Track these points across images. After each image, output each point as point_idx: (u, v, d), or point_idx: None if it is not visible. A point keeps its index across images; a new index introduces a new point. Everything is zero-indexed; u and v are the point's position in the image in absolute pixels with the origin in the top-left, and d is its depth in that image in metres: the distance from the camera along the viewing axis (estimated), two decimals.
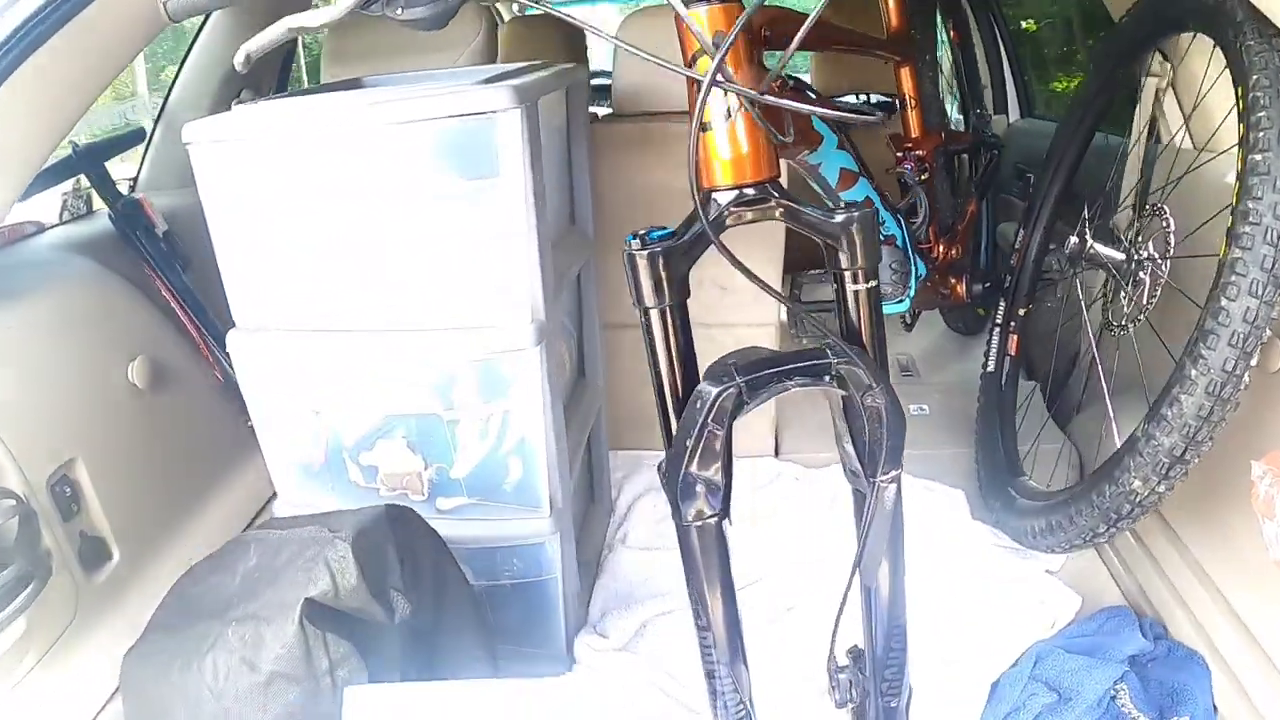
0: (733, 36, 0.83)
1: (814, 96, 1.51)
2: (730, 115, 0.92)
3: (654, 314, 0.94)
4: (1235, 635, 1.49)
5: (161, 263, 2.07)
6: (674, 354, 0.95)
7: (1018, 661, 1.66)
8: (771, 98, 0.85)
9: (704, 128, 0.94)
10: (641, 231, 0.94)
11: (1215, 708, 1.57)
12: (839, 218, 0.95)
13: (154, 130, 2.50)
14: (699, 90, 0.86)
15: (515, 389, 1.39)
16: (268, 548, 1.26)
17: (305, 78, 4.06)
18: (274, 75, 2.89)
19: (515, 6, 4.59)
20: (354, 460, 1.48)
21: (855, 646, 1.19)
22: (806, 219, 0.97)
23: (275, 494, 1.61)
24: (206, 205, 1.40)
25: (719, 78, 0.83)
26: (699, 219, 0.91)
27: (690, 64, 0.94)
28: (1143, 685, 1.61)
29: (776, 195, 0.96)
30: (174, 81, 2.53)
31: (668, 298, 0.93)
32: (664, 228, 0.95)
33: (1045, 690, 1.60)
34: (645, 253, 0.92)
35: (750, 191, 0.95)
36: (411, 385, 1.40)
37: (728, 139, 0.93)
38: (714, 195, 0.95)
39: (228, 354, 1.51)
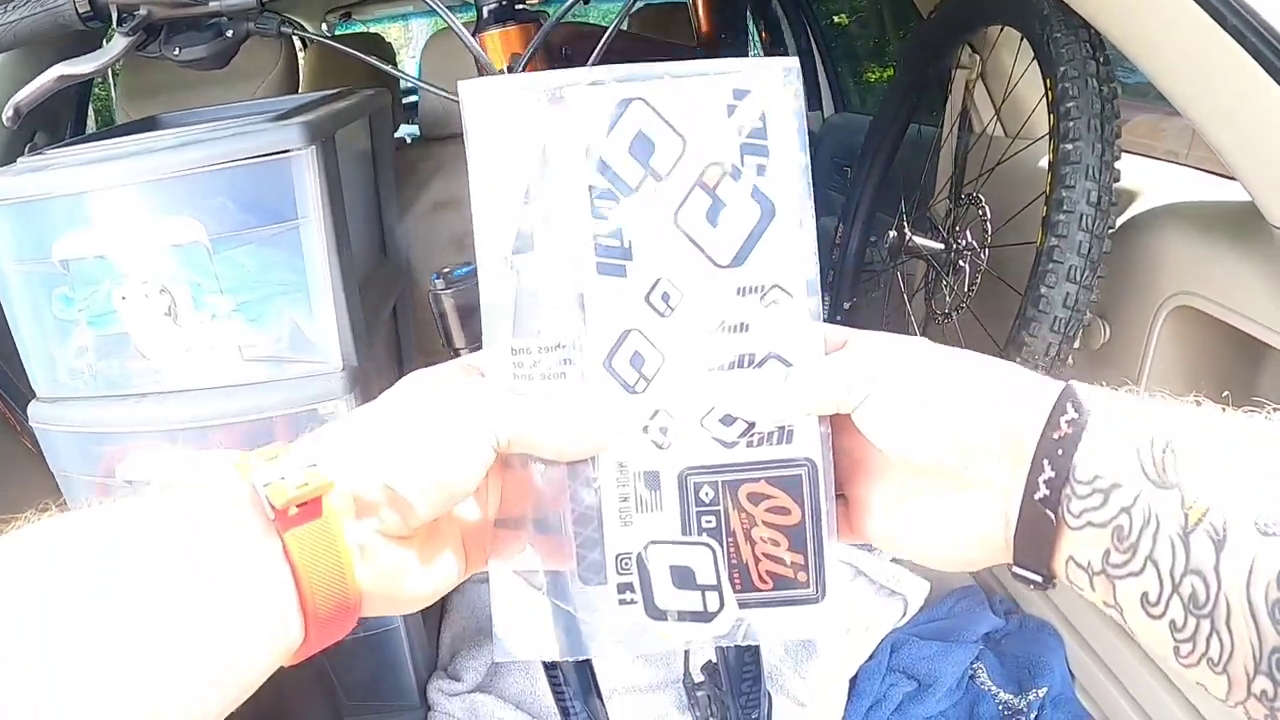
0: (523, 66, 0.80)
1: None
2: None
3: (464, 355, 0.90)
4: (1083, 604, 1.54)
5: None
6: None
7: (874, 654, 1.68)
8: None
9: None
10: (446, 270, 0.90)
11: (1072, 675, 1.62)
12: None
13: None
14: None
15: None
16: None
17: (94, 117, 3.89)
18: (71, 114, 2.75)
19: (323, 27, 4.48)
20: None
21: (709, 662, 1.19)
22: None
23: None
24: None
25: None
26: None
27: None
28: (999, 661, 1.65)
29: None
30: None
31: (476, 338, 0.90)
32: (469, 264, 0.92)
33: (904, 679, 1.63)
34: (451, 292, 0.88)
35: None
36: (224, 445, 1.33)
37: None
38: None
39: None
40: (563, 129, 0.47)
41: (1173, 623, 0.40)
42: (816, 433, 0.49)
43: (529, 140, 0.47)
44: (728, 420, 0.49)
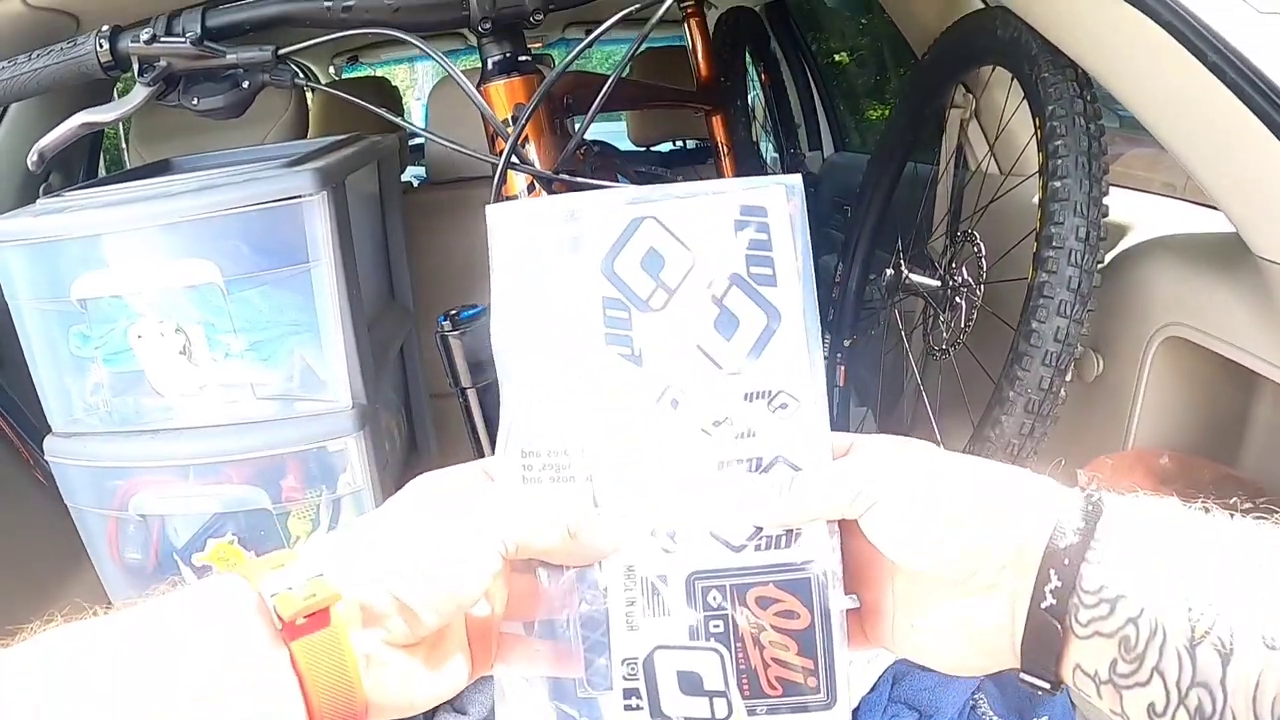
0: (526, 118, 0.83)
1: (619, 160, 1.51)
2: (533, 187, 0.92)
3: (471, 394, 0.93)
4: None
5: None
6: (494, 431, 0.95)
7: (875, 686, 1.68)
8: (566, 176, 0.86)
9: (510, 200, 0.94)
10: (453, 311, 0.93)
11: (1073, 704, 1.62)
12: None
13: None
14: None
15: (343, 476, 1.36)
16: None
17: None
18: (85, 156, 2.79)
19: (330, 70, 4.53)
20: (187, 562, 1.42)
21: None
22: None
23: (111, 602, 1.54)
24: (11, 305, 1.34)
25: (514, 159, 0.83)
26: None
27: (492, 137, 0.94)
28: (1000, 692, 1.65)
29: None
30: None
31: (482, 377, 0.93)
32: (474, 306, 0.95)
33: (906, 710, 1.62)
34: (457, 333, 0.91)
35: None
36: (236, 481, 1.36)
37: None
38: None
39: None
40: (578, 247, 0.49)
41: None
42: (825, 537, 0.49)
43: (548, 258, 0.49)
44: (735, 525, 0.49)
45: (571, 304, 0.49)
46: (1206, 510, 0.43)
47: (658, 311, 0.49)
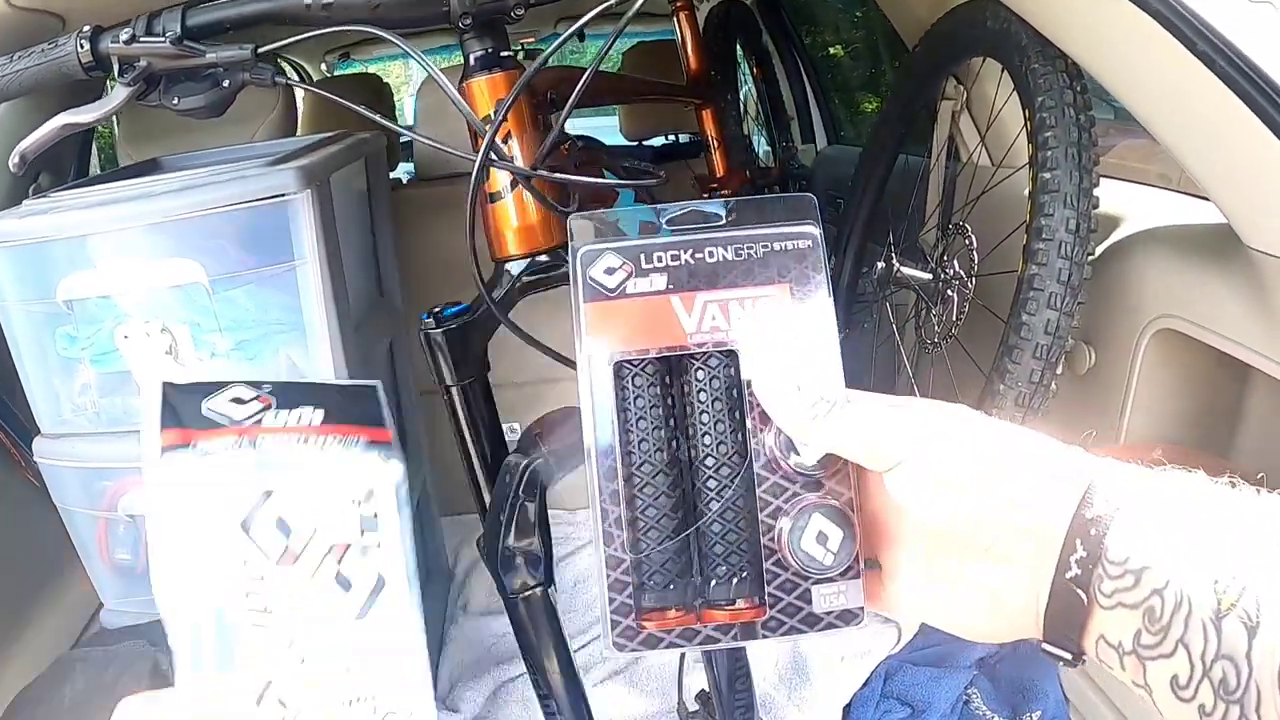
0: (503, 114, 0.83)
1: (605, 156, 1.50)
2: (516, 184, 0.92)
3: (455, 391, 0.93)
4: None
5: None
6: (480, 429, 0.95)
7: (868, 681, 1.68)
8: (545, 172, 0.85)
9: (494, 198, 0.93)
10: (436, 309, 0.93)
11: (1066, 698, 1.62)
12: None
13: None
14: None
15: None
16: (93, 667, 1.20)
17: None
18: (74, 156, 2.78)
19: (322, 67, 4.52)
20: None
21: (703, 691, 1.20)
22: None
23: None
24: None
25: (492, 155, 0.82)
26: (483, 297, 0.90)
27: (475, 135, 0.94)
28: (993, 686, 1.65)
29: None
30: None
31: (467, 374, 0.92)
32: (459, 303, 0.94)
33: (899, 706, 1.63)
34: (440, 331, 0.91)
35: (544, 259, 0.95)
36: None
37: (515, 208, 0.92)
38: (507, 266, 0.94)
39: None
40: (221, 508, 0.49)
41: (1202, 707, 0.39)
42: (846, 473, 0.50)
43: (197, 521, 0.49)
44: None
45: (214, 560, 0.50)
46: (1232, 485, 0.43)
47: (286, 568, 0.50)
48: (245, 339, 1.30)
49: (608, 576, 0.49)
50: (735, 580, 0.50)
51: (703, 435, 0.51)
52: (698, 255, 0.51)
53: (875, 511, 0.50)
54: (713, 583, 0.50)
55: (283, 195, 1.22)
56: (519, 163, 0.91)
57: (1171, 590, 0.40)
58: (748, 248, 0.51)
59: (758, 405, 0.50)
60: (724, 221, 0.53)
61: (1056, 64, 1.31)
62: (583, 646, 1.80)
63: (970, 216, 1.68)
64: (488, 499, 0.96)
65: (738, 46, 2.92)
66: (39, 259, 1.29)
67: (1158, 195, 1.63)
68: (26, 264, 1.30)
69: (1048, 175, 1.29)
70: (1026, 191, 1.36)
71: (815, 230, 0.52)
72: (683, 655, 1.09)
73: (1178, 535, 0.41)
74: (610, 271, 0.51)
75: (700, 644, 0.50)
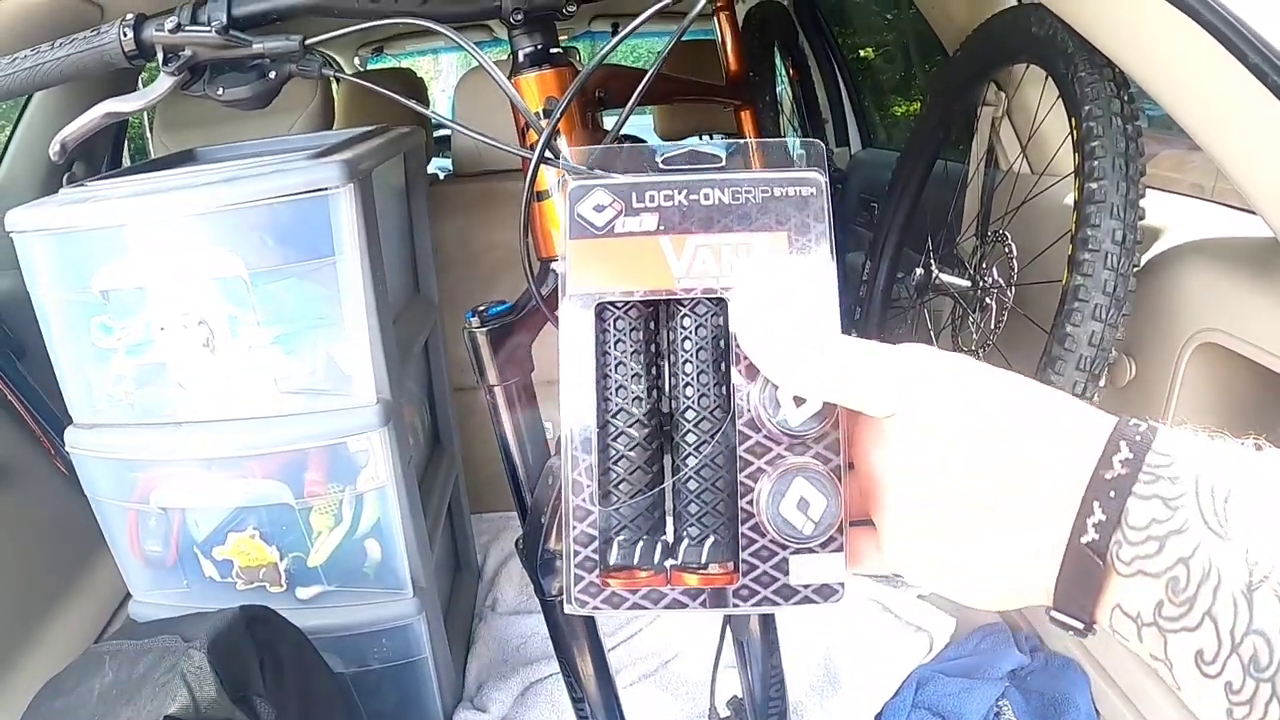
0: (560, 112, 0.81)
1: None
2: (565, 181, 0.91)
3: (498, 391, 0.92)
4: (1107, 639, 1.53)
5: None
6: (522, 430, 0.94)
7: (899, 690, 1.68)
8: (601, 171, 0.84)
9: (540, 196, 0.92)
10: (481, 308, 0.92)
11: (1097, 712, 1.61)
12: None
13: None
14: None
15: (365, 471, 1.35)
16: (123, 661, 1.20)
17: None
18: (108, 146, 2.80)
19: (355, 61, 4.53)
20: (207, 556, 1.42)
21: (735, 697, 1.19)
22: None
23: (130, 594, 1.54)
24: (34, 295, 1.33)
25: (547, 154, 0.81)
26: (531, 294, 0.89)
27: (523, 130, 0.93)
28: (1024, 699, 1.64)
29: None
30: None
31: (511, 374, 0.91)
32: (504, 302, 0.93)
33: (930, 716, 1.62)
34: (485, 330, 0.90)
35: None
36: (258, 475, 1.35)
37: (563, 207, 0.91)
38: (552, 265, 0.94)
39: None
40: None
41: (1229, 684, 0.37)
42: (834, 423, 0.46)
43: None
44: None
45: None
46: (1259, 448, 0.39)
47: None
48: (284, 332, 1.29)
49: (573, 528, 0.46)
50: (709, 543, 0.46)
51: (685, 387, 0.47)
52: (692, 196, 0.48)
53: (869, 466, 0.47)
54: (684, 543, 0.47)
55: (325, 189, 1.21)
56: (569, 160, 0.90)
57: (1199, 559, 0.37)
58: (746, 191, 0.48)
59: (745, 358, 0.46)
60: (724, 164, 0.50)
61: (1104, 72, 1.30)
62: (613, 649, 1.80)
63: (1009, 224, 1.67)
64: (528, 501, 0.95)
65: (775, 48, 2.91)
66: (76, 248, 1.29)
67: (1192, 205, 1.62)
68: (64, 253, 1.30)
69: (1094, 185, 1.27)
70: (1070, 201, 1.34)
71: (820, 177, 0.48)
72: (716, 659, 1.08)
73: (1204, 500, 0.38)
74: (600, 209, 0.49)
75: (667, 607, 0.46)
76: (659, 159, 0.51)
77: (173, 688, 1.11)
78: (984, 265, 1.69)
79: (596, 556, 0.46)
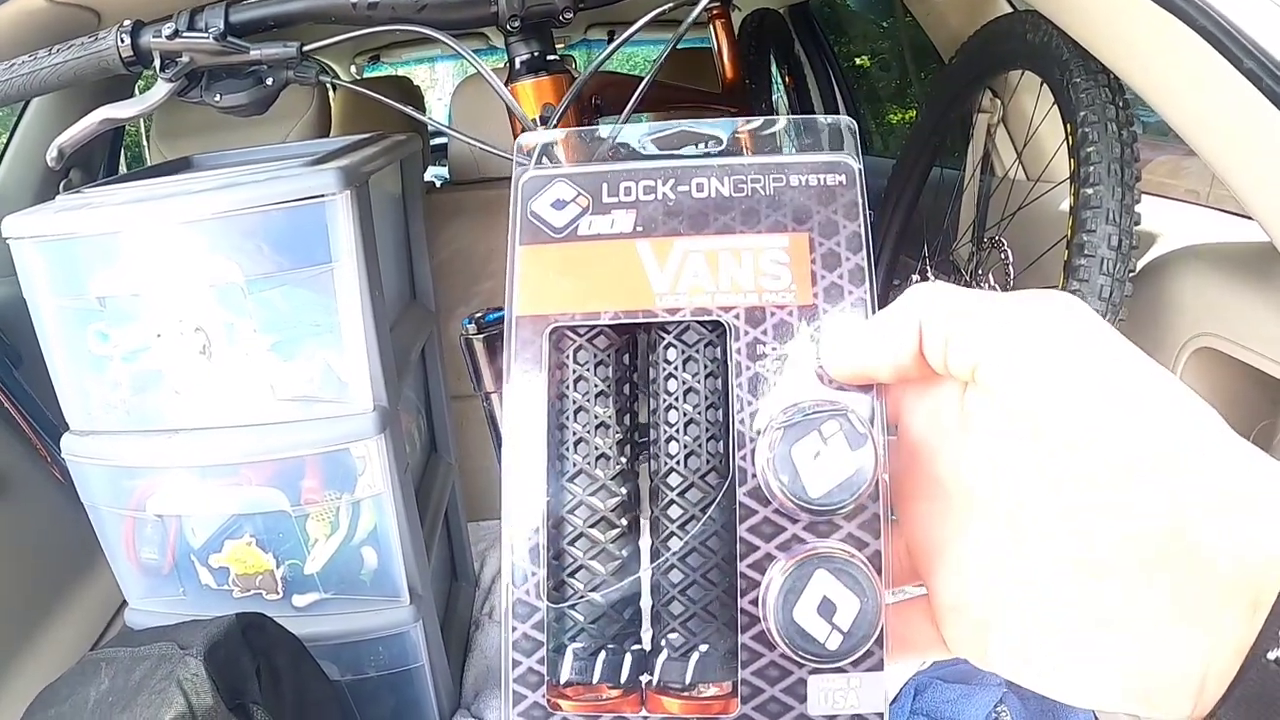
0: (557, 117, 0.82)
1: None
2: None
3: (494, 399, 0.92)
4: None
5: None
6: None
7: (897, 697, 1.67)
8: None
9: None
10: (478, 314, 0.92)
11: (1095, 715, 1.60)
12: None
13: None
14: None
15: (362, 478, 1.35)
16: (119, 668, 1.19)
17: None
18: (105, 152, 2.80)
19: (351, 69, 4.53)
20: (203, 564, 1.41)
21: None
22: None
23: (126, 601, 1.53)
24: (30, 302, 1.32)
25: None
26: None
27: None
28: (1023, 704, 1.63)
29: None
30: None
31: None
32: (500, 309, 0.93)
33: None
34: (482, 337, 0.90)
35: None
36: (254, 482, 1.35)
37: None
38: None
39: None
40: None
41: None
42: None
43: None
44: None
45: None
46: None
47: None
48: (280, 339, 1.29)
49: (514, 630, 0.35)
50: (696, 655, 0.35)
51: (667, 442, 0.36)
52: (681, 188, 0.38)
53: (930, 498, 0.34)
54: (664, 655, 0.36)
55: (322, 196, 1.21)
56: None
57: None
58: (753, 180, 0.37)
59: (749, 403, 0.35)
60: (724, 147, 0.40)
61: (1099, 78, 1.30)
62: None
63: (1005, 231, 1.67)
64: None
65: (770, 55, 2.91)
66: (72, 255, 1.29)
67: (1188, 210, 1.62)
68: (60, 259, 1.29)
69: (1090, 191, 1.28)
70: (1065, 206, 1.34)
71: (853, 163, 0.38)
72: None
73: None
74: (559, 205, 0.38)
75: None
76: (639, 142, 0.41)
77: (169, 695, 1.11)
78: (980, 271, 1.69)
79: (542, 670, 0.35)
